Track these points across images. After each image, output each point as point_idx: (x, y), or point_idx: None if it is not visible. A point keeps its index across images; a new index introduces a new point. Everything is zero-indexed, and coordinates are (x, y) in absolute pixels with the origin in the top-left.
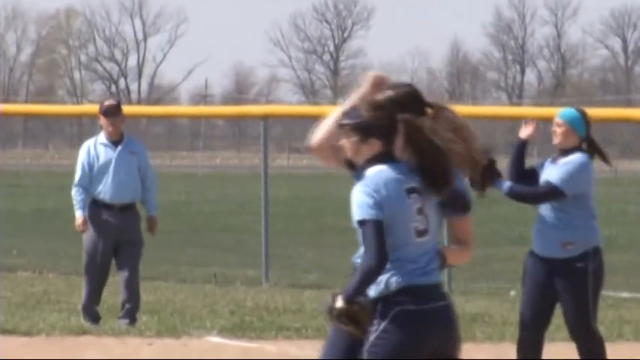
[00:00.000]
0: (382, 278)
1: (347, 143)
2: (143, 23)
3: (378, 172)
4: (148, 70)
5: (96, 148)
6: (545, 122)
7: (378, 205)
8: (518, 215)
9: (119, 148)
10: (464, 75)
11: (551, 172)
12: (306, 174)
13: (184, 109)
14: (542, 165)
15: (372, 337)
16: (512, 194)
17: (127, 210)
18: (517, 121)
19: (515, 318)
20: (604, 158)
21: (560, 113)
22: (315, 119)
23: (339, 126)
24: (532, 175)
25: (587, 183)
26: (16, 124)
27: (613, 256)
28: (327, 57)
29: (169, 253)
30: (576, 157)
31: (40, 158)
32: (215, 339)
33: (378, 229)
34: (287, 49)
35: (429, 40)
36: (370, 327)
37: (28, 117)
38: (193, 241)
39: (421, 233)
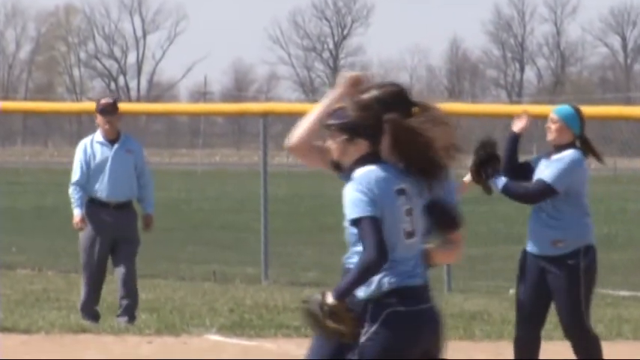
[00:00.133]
0: (373, 279)
1: (333, 144)
2: (142, 20)
3: (368, 171)
4: (147, 68)
5: (92, 146)
6: (545, 120)
7: (373, 202)
8: (517, 213)
9: (115, 146)
10: (463, 73)
11: (544, 169)
12: (306, 172)
13: (184, 106)
14: (537, 160)
15: (362, 339)
16: (507, 192)
17: (123, 208)
18: None
19: (514, 316)
20: (597, 156)
21: (555, 109)
22: None
23: (325, 126)
24: (526, 169)
25: (580, 180)
26: (16, 121)
27: (612, 255)
28: (326, 54)
29: (169, 250)
30: (569, 154)
31: (39, 156)
32: (214, 337)
33: (376, 225)
34: (286, 47)
35: (429, 37)
36: (360, 329)
37: (27, 114)
38: (193, 239)
39: (409, 235)
